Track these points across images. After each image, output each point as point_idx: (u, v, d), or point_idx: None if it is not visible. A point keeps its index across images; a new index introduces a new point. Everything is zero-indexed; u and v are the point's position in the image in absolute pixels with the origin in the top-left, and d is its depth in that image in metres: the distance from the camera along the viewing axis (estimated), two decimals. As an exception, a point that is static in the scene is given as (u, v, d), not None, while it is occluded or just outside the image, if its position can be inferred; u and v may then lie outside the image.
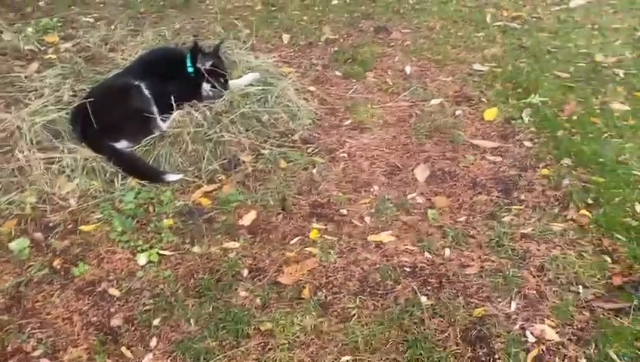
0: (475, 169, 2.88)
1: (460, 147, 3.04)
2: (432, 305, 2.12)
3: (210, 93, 3.18)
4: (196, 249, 2.40)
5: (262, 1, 4.93)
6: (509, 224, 2.50)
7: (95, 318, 2.11)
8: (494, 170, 2.86)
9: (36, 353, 1.98)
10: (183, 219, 2.55)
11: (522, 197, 2.66)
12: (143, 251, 2.37)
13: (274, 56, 3.80)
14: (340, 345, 1.99)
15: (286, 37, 4.28)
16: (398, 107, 3.43)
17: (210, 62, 3.15)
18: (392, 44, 4.18)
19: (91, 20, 4.49)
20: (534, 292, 2.18)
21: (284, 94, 3.31)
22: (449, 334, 2.02)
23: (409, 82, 3.68)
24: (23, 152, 2.69)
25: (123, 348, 1.99)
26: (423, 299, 2.15)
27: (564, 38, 4.16)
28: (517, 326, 2.03)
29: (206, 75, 3.12)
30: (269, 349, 1.97)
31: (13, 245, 2.37)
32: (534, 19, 4.51)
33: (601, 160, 2.84)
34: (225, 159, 2.89)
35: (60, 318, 2.11)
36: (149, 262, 2.33)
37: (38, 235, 2.44)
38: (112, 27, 4.28)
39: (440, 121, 3.25)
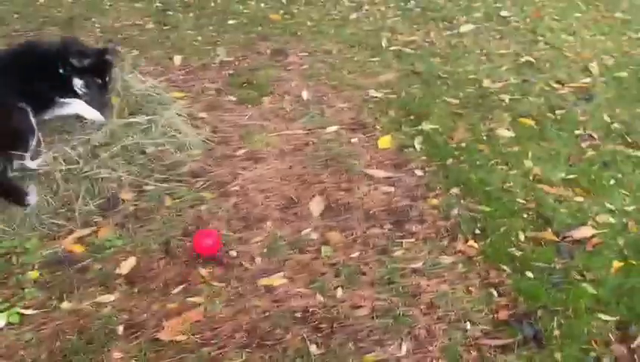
0: (369, 200, 2.85)
1: (355, 177, 3.01)
2: (321, 354, 2.03)
3: (84, 90, 2.94)
4: (65, 305, 2.15)
5: (153, 19, 4.69)
6: (400, 258, 2.48)
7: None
8: (387, 201, 2.85)
9: None
10: (51, 270, 2.29)
11: (413, 228, 2.66)
12: (1, 312, 2.09)
13: (161, 80, 3.58)
14: (225, 408, 1.85)
15: (178, 58, 4.08)
16: (295, 135, 3.35)
17: (89, 61, 2.92)
18: (289, 67, 4.12)
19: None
20: (425, 331, 2.15)
21: (172, 123, 3.12)
22: (339, 386, 1.94)
23: (306, 108, 3.62)
24: None
25: None
26: (313, 347, 2.05)
27: (455, 63, 4.31)
28: (407, 371, 2.00)
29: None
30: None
31: None
32: (427, 44, 4.64)
33: (488, 188, 2.92)
34: (102, 198, 2.65)
35: None
36: (8, 324, 2.05)
37: None
38: (-19, 46, 3.88)
39: (336, 150, 3.21)
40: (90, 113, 2.95)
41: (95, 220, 2.57)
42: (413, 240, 2.60)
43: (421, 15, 5.24)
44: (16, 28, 4.32)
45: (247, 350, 2.03)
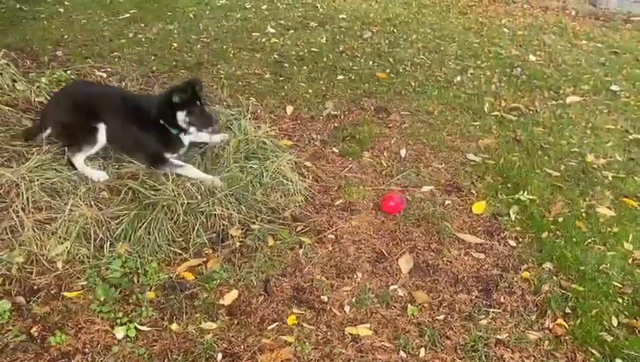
0: (458, 264, 2.92)
1: (446, 239, 3.10)
2: (400, 409, 2.13)
3: (188, 120, 3.34)
4: (174, 326, 2.42)
5: (270, 70, 5.11)
6: (485, 328, 2.52)
7: (64, 393, 2.12)
8: (477, 268, 2.90)
9: None
10: (166, 293, 2.59)
11: (502, 299, 2.70)
12: (121, 324, 2.39)
13: (274, 128, 3.91)
14: None
15: (290, 108, 4.41)
16: (390, 191, 3.51)
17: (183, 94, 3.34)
18: (390, 125, 4.31)
19: (104, 75, 4.66)
20: (504, 404, 2.18)
21: (281, 169, 3.40)
22: None
23: (403, 165, 3.78)
24: (17, 212, 2.75)
25: None
26: (393, 402, 2.16)
27: (558, 134, 4.29)
28: None
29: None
30: None
31: (-6, 307, 2.40)
32: (531, 112, 4.67)
33: (582, 267, 2.89)
34: (214, 233, 2.95)
35: (28, 391, 2.12)
36: (126, 336, 2.35)
37: (20, 299, 2.47)
38: (123, 83, 4.45)
39: (429, 210, 3.32)
40: (199, 175, 3.29)
41: (205, 252, 2.86)
42: (500, 310, 2.64)
43: (526, 82, 5.26)
44: (153, 69, 4.89)
45: (330, 394, 2.17)
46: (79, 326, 2.38)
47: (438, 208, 3.35)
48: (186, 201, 2.98)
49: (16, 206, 2.80)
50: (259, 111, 4.25)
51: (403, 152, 3.94)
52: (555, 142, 4.16)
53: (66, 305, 2.47)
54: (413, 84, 5.04)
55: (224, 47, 5.61)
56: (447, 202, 3.42)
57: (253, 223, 3.06)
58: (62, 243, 2.73)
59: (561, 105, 4.83)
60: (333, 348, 2.38)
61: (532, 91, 5.09)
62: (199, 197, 3.02)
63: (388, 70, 5.31)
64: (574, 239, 3.11)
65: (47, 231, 2.76)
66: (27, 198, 2.86)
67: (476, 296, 2.72)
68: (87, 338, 2.33)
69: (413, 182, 3.61)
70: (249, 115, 3.83)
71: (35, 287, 2.55)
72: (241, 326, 2.46)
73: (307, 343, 2.38)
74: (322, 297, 2.66)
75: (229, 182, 3.17)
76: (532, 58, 5.92)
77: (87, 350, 2.28)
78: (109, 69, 4.79)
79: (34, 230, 2.72)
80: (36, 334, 2.32)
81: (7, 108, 3.68)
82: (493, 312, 2.61)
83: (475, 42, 6.35)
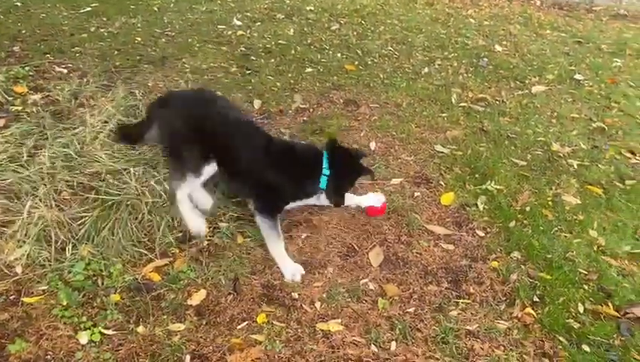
0: (427, 256, 2.93)
1: (416, 231, 3.10)
2: (372, 404, 2.12)
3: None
4: (140, 329, 2.36)
5: (237, 63, 5.03)
6: (455, 319, 2.53)
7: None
8: (446, 259, 2.91)
9: None
10: (131, 295, 2.52)
11: (471, 289, 2.72)
12: (85, 329, 2.32)
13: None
14: None
15: (257, 102, 4.35)
16: (360, 185, 3.49)
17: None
18: (359, 117, 4.29)
19: (65, 71, 4.51)
20: (474, 395, 2.20)
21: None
22: None
23: (372, 159, 3.76)
24: (-28, 215, 2.64)
25: None
26: (364, 396, 2.15)
27: (524, 124, 4.35)
28: None
29: None
30: None
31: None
32: (497, 103, 4.71)
33: (549, 256, 2.93)
34: (180, 232, 2.88)
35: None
36: (90, 341, 2.28)
37: (-23, 306, 2.37)
38: (85, 80, 4.31)
39: (398, 202, 3.32)
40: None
41: (172, 251, 2.80)
42: (469, 301, 2.65)
43: (493, 72, 5.31)
44: (117, 64, 4.75)
45: (301, 392, 2.15)
46: (40, 332, 2.30)
47: (407, 200, 3.36)
48: (150, 200, 2.90)
49: (-28, 209, 2.69)
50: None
51: (372, 145, 3.93)
52: (522, 132, 4.21)
53: (25, 310, 2.38)
54: (381, 75, 5.02)
55: (189, 40, 5.49)
56: (416, 194, 3.43)
57: (221, 221, 3.00)
58: (20, 246, 2.63)
59: (527, 94, 4.89)
60: (305, 345, 2.35)
61: (498, 81, 5.14)
62: (164, 195, 2.95)
63: (356, 62, 5.29)
64: (541, 228, 3.15)
65: (5, 234, 2.66)
66: (-17, 201, 2.74)
67: (446, 288, 2.73)
68: (49, 345, 2.25)
69: (383, 174, 3.60)
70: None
71: (-7, 294, 2.46)
72: (210, 326, 2.41)
73: (277, 341, 2.35)
74: (293, 294, 2.63)
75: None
76: (498, 48, 5.98)
77: (49, 357, 2.21)
78: (70, 65, 4.64)
79: (-11, 234, 2.61)
80: (-5, 343, 2.23)
81: (-40, 106, 3.53)
82: (462, 303, 2.63)
83: (442, 33, 6.38)
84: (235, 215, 3.06)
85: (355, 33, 6.09)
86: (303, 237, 3.00)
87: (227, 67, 4.96)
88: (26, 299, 2.43)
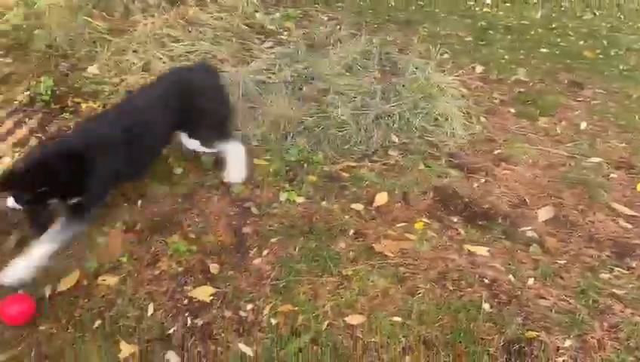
0: (599, 226, 2.92)
1: (596, 205, 3.08)
2: (490, 312, 2.36)
3: None
4: (324, 203, 2.96)
5: (473, 34, 5.31)
6: (603, 280, 2.55)
7: (234, 223, 2.82)
8: (618, 234, 2.87)
9: (188, 229, 2.75)
10: (325, 181, 3.14)
11: (633, 264, 2.66)
12: (286, 191, 3.02)
13: (457, 78, 4.17)
14: (397, 308, 2.36)
15: (479, 68, 4.60)
16: (555, 154, 3.54)
17: None
18: (579, 99, 4.23)
19: (325, 19, 5.40)
20: (596, 341, 2.25)
21: (450, 112, 3.70)
22: (493, 338, 2.24)
23: (578, 136, 3.74)
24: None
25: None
26: (486, 306, 2.39)
27: None
28: (561, 360, 2.17)
29: None
30: (342, 288, 2.44)
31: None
32: None
33: None
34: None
35: (212, 214, 2.86)
36: (287, 200, 2.96)
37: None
38: (338, 27, 5.12)
39: (590, 178, 3.30)
40: None
41: (362, 161, 3.34)
42: (627, 272, 2.62)
43: None
44: (367, 20, 5.48)
45: (432, 283, 2.50)
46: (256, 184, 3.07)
47: (600, 179, 3.31)
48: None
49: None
50: (449, 66, 4.53)
51: (583, 125, 3.88)
52: None
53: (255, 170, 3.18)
54: (621, 67, 4.77)
55: (436, 10, 5.95)
56: (612, 175, 3.35)
57: (412, 144, 3.45)
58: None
59: None
60: (448, 254, 2.67)
61: None
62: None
63: (598, 51, 5.10)
64: None
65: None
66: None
67: (607, 256, 2.72)
68: (258, 193, 3.01)
69: (583, 151, 3.58)
70: (434, 63, 4.15)
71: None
72: (379, 219, 2.89)
73: (425, 243, 2.72)
74: (452, 218, 2.94)
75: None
76: None
77: (257, 201, 2.96)
78: (330, 15, 5.52)
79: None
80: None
81: (246, 28, 4.62)
82: (618, 271, 2.61)
83: None
84: (423, 149, 3.46)
85: (608, 25, 5.79)
86: (478, 180, 3.24)
87: (463, 36, 5.29)
88: (256, 161, 3.23)
